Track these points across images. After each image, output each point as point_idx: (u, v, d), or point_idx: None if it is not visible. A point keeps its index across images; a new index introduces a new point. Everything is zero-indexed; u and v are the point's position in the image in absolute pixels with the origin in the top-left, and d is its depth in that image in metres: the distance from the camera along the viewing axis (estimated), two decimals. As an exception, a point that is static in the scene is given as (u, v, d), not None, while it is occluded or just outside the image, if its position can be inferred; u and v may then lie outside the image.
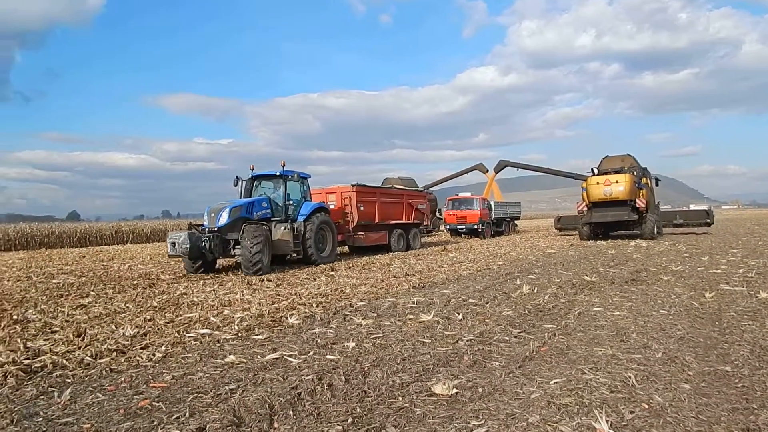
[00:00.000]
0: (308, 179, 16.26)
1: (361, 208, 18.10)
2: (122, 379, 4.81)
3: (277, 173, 15.22)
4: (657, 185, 26.58)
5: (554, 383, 4.42)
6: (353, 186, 18.04)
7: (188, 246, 12.43)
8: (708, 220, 26.98)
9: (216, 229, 13.17)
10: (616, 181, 23.19)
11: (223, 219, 13.26)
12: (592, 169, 25.09)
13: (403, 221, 20.73)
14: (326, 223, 15.97)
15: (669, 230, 28.04)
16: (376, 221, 19.00)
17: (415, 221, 21.68)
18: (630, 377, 4.50)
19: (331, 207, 17.52)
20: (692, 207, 39.56)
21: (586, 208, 24.73)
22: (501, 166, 47.04)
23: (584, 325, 6.61)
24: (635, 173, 23.72)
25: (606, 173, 24.13)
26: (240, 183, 15.32)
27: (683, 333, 6.13)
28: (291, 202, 15.13)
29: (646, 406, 3.90)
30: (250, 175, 15.54)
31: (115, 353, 5.63)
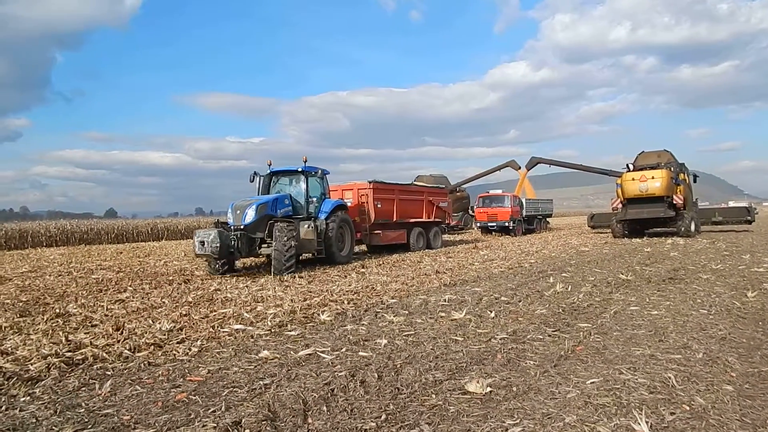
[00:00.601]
0: (327, 175, 15.47)
1: (379, 206, 17.40)
2: (160, 372, 4.92)
3: (299, 169, 14.47)
4: (695, 181, 25.83)
5: (591, 383, 4.34)
6: (370, 183, 17.36)
7: (218, 245, 11.72)
8: (749, 218, 26.10)
9: (242, 227, 12.55)
10: (653, 177, 22.61)
11: (250, 216, 12.63)
12: (627, 165, 24.52)
13: (424, 219, 19.96)
14: (346, 222, 15.40)
15: (707, 228, 27.24)
16: (395, 219, 18.30)
17: (436, 219, 20.85)
18: (670, 378, 4.38)
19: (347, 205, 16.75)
20: (732, 204, 38.29)
21: (620, 205, 24.17)
22: (533, 163, 46.40)
23: (621, 325, 6.47)
24: (672, 169, 23.08)
25: (642, 169, 23.55)
26: (258, 179, 14.55)
27: (725, 333, 5.95)
28: (313, 199, 14.48)
29: (688, 408, 3.80)
30: (268, 171, 14.77)
31: (152, 347, 5.75)
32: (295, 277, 11.75)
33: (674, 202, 22.61)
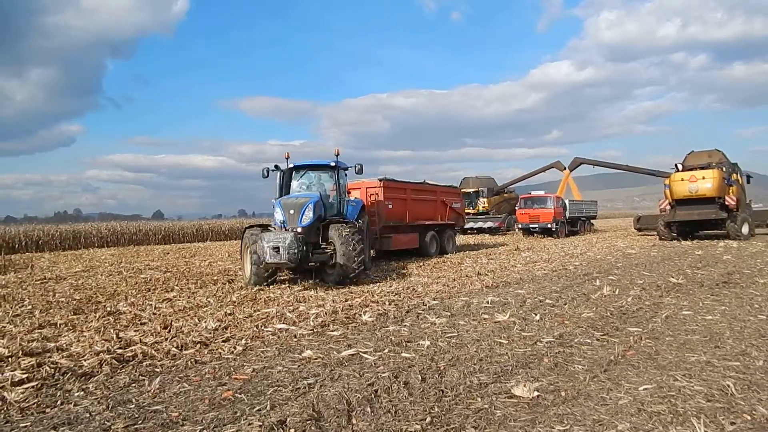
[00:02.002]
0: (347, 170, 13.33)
1: (390, 206, 15.81)
2: (206, 370, 5.00)
3: (331, 163, 12.48)
4: (749, 182, 24.71)
5: (644, 389, 4.18)
6: (381, 180, 15.86)
7: (296, 251, 9.75)
8: None
9: (300, 228, 10.54)
10: (703, 177, 21.74)
11: (308, 217, 10.72)
12: (675, 165, 23.66)
13: (437, 222, 18.34)
14: (367, 224, 13.78)
15: (762, 231, 26.04)
16: (407, 221, 16.70)
17: (449, 221, 19.25)
18: (729, 386, 4.17)
19: None
20: (789, 205, 36.60)
21: (668, 207, 23.34)
22: (576, 163, 45.38)
23: (673, 329, 6.22)
24: (724, 169, 22.15)
25: (692, 169, 22.68)
26: (280, 175, 12.47)
27: (787, 340, 5.64)
28: (345, 198, 12.84)
29: (749, 418, 3.61)
30: (291, 165, 12.59)
31: (198, 345, 5.86)
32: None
33: (726, 203, 21.68)
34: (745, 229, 21.58)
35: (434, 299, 8.63)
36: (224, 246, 26.92)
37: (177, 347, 5.75)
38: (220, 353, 5.59)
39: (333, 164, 12.49)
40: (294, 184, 12.70)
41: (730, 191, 21.94)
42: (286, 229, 10.60)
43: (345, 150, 12.12)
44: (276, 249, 9.79)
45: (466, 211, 36.80)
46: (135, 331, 6.63)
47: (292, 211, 10.81)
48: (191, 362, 5.27)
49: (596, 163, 46.28)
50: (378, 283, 10.73)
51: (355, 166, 12.57)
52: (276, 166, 12.38)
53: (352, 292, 9.49)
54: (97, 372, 4.99)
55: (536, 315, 7.12)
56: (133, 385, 4.65)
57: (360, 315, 7.39)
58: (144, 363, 5.27)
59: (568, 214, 30.21)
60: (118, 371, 5.03)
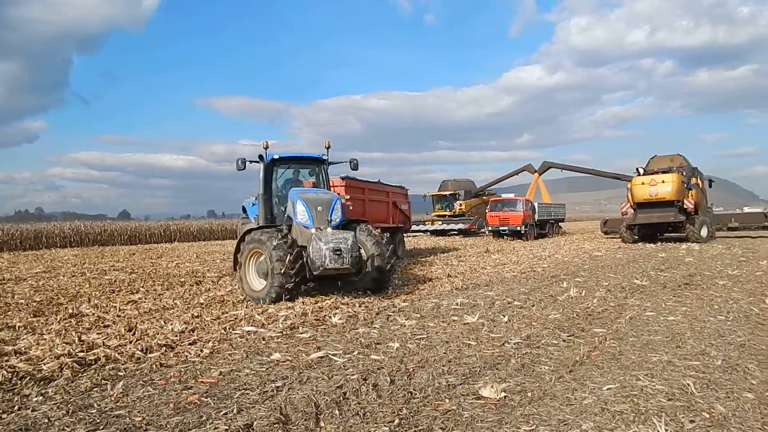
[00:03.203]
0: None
1: (351, 208, 14.60)
2: (172, 373, 4.90)
3: (323, 157, 11.12)
4: (710, 186, 25.50)
5: (607, 389, 4.26)
6: (343, 179, 14.86)
7: (357, 254, 8.72)
8: (767, 223, 25.73)
9: (330, 229, 9.07)
10: (663, 181, 22.38)
11: (338, 215, 9.48)
12: (637, 169, 24.30)
13: (390, 224, 17.36)
14: None
15: (722, 234, 26.88)
16: None
17: (400, 224, 18.51)
18: (689, 385, 4.29)
19: None
20: (747, 209, 37.83)
21: (630, 210, 23.97)
22: (545, 167, 46.09)
23: (636, 330, 6.37)
24: (684, 173, 22.84)
25: (654, 173, 23.33)
26: (262, 167, 10.48)
27: (743, 340, 5.83)
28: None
29: (708, 416, 3.71)
30: (274, 156, 10.59)
31: (164, 348, 5.75)
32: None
33: (685, 206, 22.34)
34: (703, 232, 22.26)
35: (404, 301, 8.65)
36: (192, 247, 26.50)
37: (142, 350, 5.62)
38: (186, 356, 5.49)
39: (324, 158, 11.10)
40: (275, 179, 10.94)
41: (689, 195, 22.62)
42: (319, 228, 8.98)
43: (319, 150, 11.36)
44: (338, 252, 8.34)
45: (443, 213, 37.03)
46: (98, 333, 6.46)
47: (320, 208, 9.32)
48: (156, 366, 5.16)
49: (564, 167, 47.13)
50: (347, 285, 10.69)
51: (350, 162, 11.45)
52: (260, 157, 10.46)
53: (322, 294, 9.43)
54: (57, 376, 4.84)
55: (504, 317, 7.20)
56: (95, 389, 4.53)
57: (330, 317, 7.35)
58: (107, 367, 5.14)
59: (536, 217, 30.65)
60: (80, 375, 4.89)
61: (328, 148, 11.13)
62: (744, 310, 7.51)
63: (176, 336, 6.26)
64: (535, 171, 46.33)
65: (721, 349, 5.47)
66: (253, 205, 11.23)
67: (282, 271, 8.37)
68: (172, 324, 6.86)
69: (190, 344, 5.94)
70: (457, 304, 8.16)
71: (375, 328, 6.73)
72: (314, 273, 8.56)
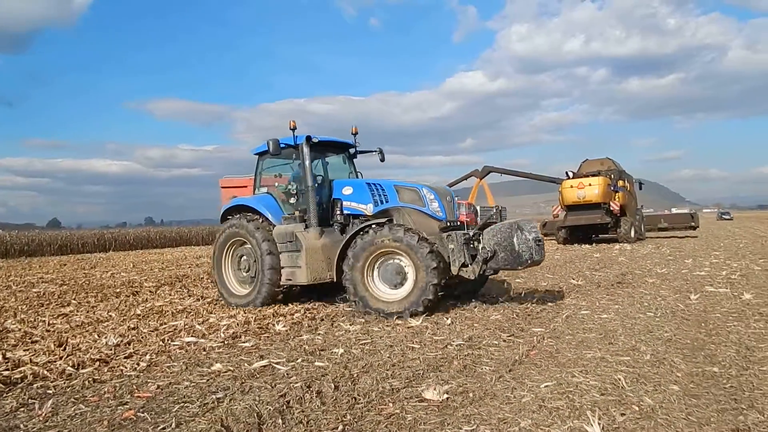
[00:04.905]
0: None
1: None
2: (106, 389, 4.70)
3: (357, 145, 9.90)
4: (641, 189, 26.84)
5: (545, 386, 4.40)
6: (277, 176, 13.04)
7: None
8: (693, 224, 27.34)
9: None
10: (590, 184, 23.43)
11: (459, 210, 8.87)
12: (566, 173, 25.33)
13: None
14: None
15: (653, 234, 28.36)
16: None
17: None
18: (620, 379, 4.49)
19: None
20: (674, 211, 40.16)
21: (561, 212, 25.04)
22: (485, 171, 47.17)
23: (572, 329, 6.61)
24: (611, 176, 23.98)
25: (584, 176, 24.39)
26: (305, 151, 8.62)
27: (670, 335, 6.16)
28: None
29: (637, 408, 3.90)
30: (315, 139, 8.78)
31: (98, 363, 5.50)
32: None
33: (611, 208, 23.44)
34: (632, 233, 23.42)
35: (348, 306, 8.63)
36: (129, 256, 25.51)
37: (73, 366, 5.36)
38: (121, 370, 5.27)
39: (354, 146, 9.84)
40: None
41: (616, 197, 23.76)
42: (450, 222, 8.32)
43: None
44: (539, 242, 7.76)
45: None
46: (25, 350, 6.11)
47: (449, 198, 8.55)
48: (89, 382, 4.93)
49: (504, 171, 48.39)
50: (292, 292, 10.57)
51: (378, 151, 10.21)
52: (308, 138, 8.70)
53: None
54: (-21, 397, 4.56)
55: (447, 319, 7.31)
56: (22, 409, 4.28)
57: (273, 325, 7.25)
58: (35, 385, 4.87)
59: (479, 220, 31.31)
60: (4, 395, 4.61)
61: (355, 135, 9.82)
62: (671, 306, 7.94)
63: (111, 350, 6.01)
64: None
65: (650, 344, 5.75)
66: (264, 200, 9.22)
67: (436, 281, 7.35)
68: (106, 337, 6.58)
69: (125, 358, 5.71)
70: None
71: (319, 334, 6.69)
72: (518, 267, 7.75)
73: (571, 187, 23.86)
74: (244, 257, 9.09)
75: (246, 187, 10.76)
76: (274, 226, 8.76)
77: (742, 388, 4.33)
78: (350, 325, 7.11)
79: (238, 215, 9.15)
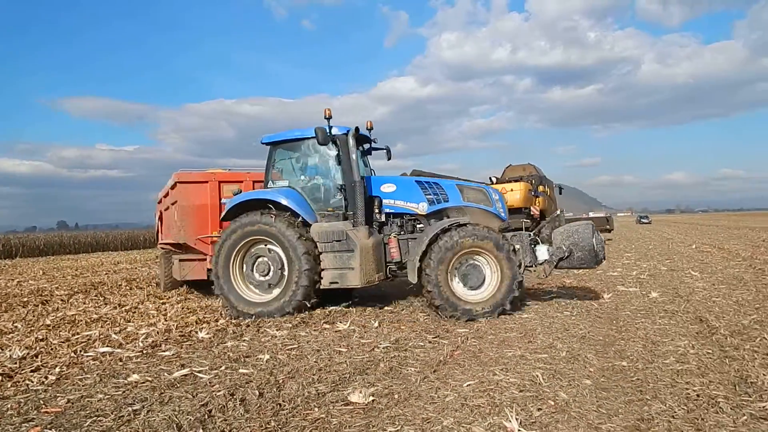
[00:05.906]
0: None
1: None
2: (9, 406, 4.37)
3: (374, 139, 9.44)
4: (560, 193, 28.13)
5: (467, 385, 4.53)
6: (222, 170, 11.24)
7: None
8: (608, 227, 28.99)
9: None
10: (512, 190, 24.37)
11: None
12: (490, 178, 26.23)
13: None
14: None
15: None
16: None
17: None
18: (537, 376, 4.69)
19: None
20: (592, 214, 42.52)
21: None
22: (414, 175, 48.05)
23: (495, 329, 6.83)
24: (532, 181, 25.05)
25: (506, 182, 25.32)
26: (350, 143, 8.10)
27: (585, 332, 6.49)
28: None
29: (552, 403, 4.08)
30: (350, 130, 8.26)
31: (0, 378, 5.12)
32: (173, 294, 11.06)
33: (531, 212, 24.51)
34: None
35: (345, 309, 8.47)
36: (38, 263, 23.89)
37: (-29, 382, 4.97)
38: (27, 385, 4.93)
39: (374, 140, 9.36)
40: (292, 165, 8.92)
41: (536, 202, 24.85)
42: (502, 219, 8.45)
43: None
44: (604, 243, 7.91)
45: None
46: None
47: (497, 196, 8.66)
48: (-11, 398, 4.58)
49: (432, 174, 49.23)
50: (216, 297, 10.27)
51: (386, 149, 9.78)
52: (357, 129, 8.31)
53: (188, 308, 8.97)
54: None
55: (375, 322, 7.36)
56: None
57: (196, 332, 7.02)
58: (-74, 404, 4.47)
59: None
60: None
61: (370, 130, 9.20)
62: (586, 305, 8.37)
63: (15, 363, 5.60)
64: (416, 180, 48.02)
65: (566, 341, 6.04)
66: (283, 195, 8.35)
67: (520, 278, 7.55)
68: (10, 350, 6.14)
69: (32, 371, 5.35)
70: (328, 312, 8.19)
71: (245, 341, 6.55)
72: (594, 266, 8.03)
73: None
74: (262, 259, 8.23)
75: (242, 182, 9.98)
76: (309, 224, 8.11)
77: (647, 380, 4.63)
78: (277, 330, 7.00)
79: (250, 212, 8.14)
